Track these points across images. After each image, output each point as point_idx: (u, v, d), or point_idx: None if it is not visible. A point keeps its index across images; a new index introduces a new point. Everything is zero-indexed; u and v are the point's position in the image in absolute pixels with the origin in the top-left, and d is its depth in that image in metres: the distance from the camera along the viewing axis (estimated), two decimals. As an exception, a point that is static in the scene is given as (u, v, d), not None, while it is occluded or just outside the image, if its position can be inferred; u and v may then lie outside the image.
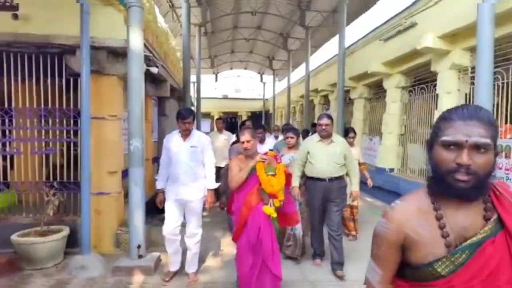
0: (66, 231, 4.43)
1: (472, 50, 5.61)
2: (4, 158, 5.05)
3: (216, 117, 27.37)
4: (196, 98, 13.86)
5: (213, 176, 3.92)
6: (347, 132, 5.56)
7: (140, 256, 4.29)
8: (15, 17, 4.47)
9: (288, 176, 3.54)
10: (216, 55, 21.40)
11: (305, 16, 13.85)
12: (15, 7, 4.53)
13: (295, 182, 4.16)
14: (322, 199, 4.13)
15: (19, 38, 4.51)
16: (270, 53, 21.57)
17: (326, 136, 4.11)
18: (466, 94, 6.12)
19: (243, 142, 3.34)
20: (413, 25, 6.68)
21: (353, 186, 4.30)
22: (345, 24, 9.64)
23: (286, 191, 3.49)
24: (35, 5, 4.56)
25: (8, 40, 4.49)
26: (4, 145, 5.10)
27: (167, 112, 8.56)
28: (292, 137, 4.79)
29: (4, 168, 4.99)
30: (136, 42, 4.24)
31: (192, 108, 13.64)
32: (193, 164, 3.79)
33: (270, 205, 3.24)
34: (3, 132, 5.02)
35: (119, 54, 4.77)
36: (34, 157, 4.96)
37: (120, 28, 4.64)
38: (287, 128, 5.55)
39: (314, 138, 4.24)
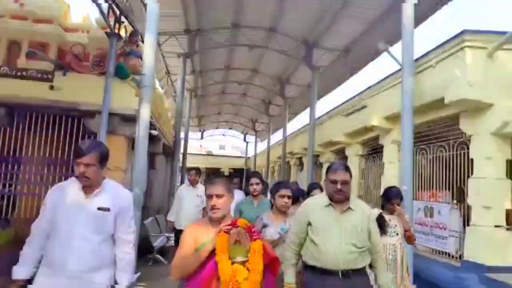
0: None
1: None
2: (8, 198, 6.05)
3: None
4: (183, 154, 15.12)
5: (131, 265, 2.38)
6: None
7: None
8: (52, 87, 5.80)
9: (273, 264, 2.21)
10: (204, 115, 23.10)
11: (284, 88, 15.78)
12: (51, 80, 5.89)
13: (288, 276, 2.64)
14: None
15: (51, 104, 5.80)
16: (253, 116, 23.42)
17: (341, 200, 2.58)
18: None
19: (210, 197, 2.19)
20: (364, 107, 8.33)
21: (381, 285, 2.63)
22: (316, 99, 11.41)
23: None
24: (66, 78, 5.92)
25: (44, 104, 5.77)
26: (10, 185, 6.15)
27: (157, 167, 9.76)
28: (289, 196, 3.20)
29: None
30: (144, 113, 5.56)
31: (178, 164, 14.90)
32: (97, 239, 2.20)
33: None
34: (11, 176, 6.10)
35: (128, 119, 6.08)
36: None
37: (131, 99, 6.00)
38: (282, 183, 3.45)
39: (319, 200, 2.69)
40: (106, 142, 5.58)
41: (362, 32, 9.81)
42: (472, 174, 5.30)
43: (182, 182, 14.96)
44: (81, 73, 6.00)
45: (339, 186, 2.53)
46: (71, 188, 2.25)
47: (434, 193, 6.66)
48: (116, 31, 5.77)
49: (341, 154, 11.33)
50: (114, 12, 5.72)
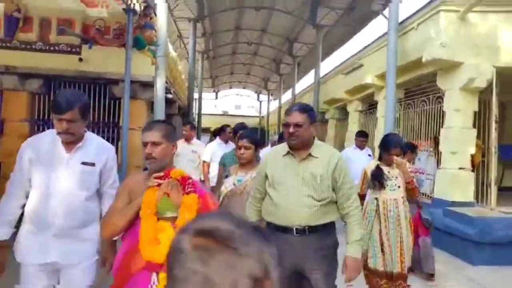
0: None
1: (399, 86, 7.85)
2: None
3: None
4: (198, 114, 16.12)
5: None
6: None
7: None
8: (80, 60, 6.72)
9: None
10: (217, 75, 23.82)
11: (293, 47, 16.26)
12: (79, 53, 6.80)
13: None
14: (290, 269, 2.23)
15: (81, 74, 6.75)
16: (265, 76, 23.98)
17: (296, 146, 2.26)
18: (396, 118, 8.33)
19: (145, 145, 1.91)
20: (360, 66, 8.98)
21: (349, 245, 2.30)
22: (320, 58, 12.02)
23: None
24: (92, 51, 6.81)
25: (74, 75, 6.74)
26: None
27: (173, 126, 10.80)
28: (246, 147, 2.90)
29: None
30: (160, 79, 6.47)
31: (194, 123, 15.93)
32: (83, 195, 2.09)
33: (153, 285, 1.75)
34: None
35: (147, 85, 7.00)
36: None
37: (149, 67, 6.89)
38: (240, 131, 3.45)
39: (280, 149, 2.43)
40: (129, 105, 6.57)
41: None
42: (443, 125, 6.09)
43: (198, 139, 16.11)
44: (104, 46, 6.86)
45: (291, 130, 2.18)
46: (50, 142, 2.06)
47: (419, 142, 7.48)
48: (132, 6, 6.54)
49: (343, 110, 12.09)
50: (128, -11, 6.46)
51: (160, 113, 6.49)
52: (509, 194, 8.21)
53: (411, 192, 3.41)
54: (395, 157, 3.32)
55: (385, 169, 3.39)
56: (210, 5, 12.34)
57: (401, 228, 3.30)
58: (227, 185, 2.90)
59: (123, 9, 6.46)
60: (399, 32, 6.66)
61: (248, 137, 2.95)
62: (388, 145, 3.38)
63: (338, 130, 12.72)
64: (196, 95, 16.08)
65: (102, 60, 6.76)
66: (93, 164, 2.12)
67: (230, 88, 29.15)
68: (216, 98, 29.93)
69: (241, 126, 4.52)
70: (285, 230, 2.23)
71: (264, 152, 6.03)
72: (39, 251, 2.01)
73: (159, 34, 6.18)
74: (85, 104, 2.07)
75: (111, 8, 7.03)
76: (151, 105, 7.15)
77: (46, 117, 7.04)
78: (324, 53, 13.41)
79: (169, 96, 7.57)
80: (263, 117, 31.56)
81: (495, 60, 5.58)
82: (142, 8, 7.01)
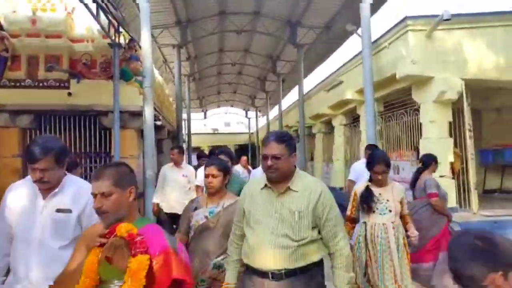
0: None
1: (379, 100, 8.19)
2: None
3: (207, 150, 30.08)
4: (187, 134, 16.33)
5: None
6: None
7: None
8: (69, 94, 6.93)
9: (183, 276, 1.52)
10: (204, 96, 24.16)
11: (276, 65, 16.70)
12: (68, 87, 7.01)
13: (228, 275, 2.22)
14: None
15: (70, 108, 6.94)
16: (251, 93, 24.39)
17: (275, 179, 2.05)
18: (377, 131, 8.66)
19: (94, 196, 1.62)
20: (340, 82, 9.35)
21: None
22: (302, 75, 12.42)
23: None
24: (80, 85, 7.02)
25: (64, 109, 6.92)
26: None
27: (164, 150, 10.98)
28: (214, 175, 2.62)
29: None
30: (148, 108, 6.68)
31: (183, 144, 16.12)
32: (56, 245, 1.96)
33: None
34: None
35: (135, 114, 7.21)
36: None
37: (136, 97, 7.11)
38: (203, 159, 3.81)
39: (258, 181, 2.17)
40: (120, 135, 6.76)
41: (338, 10, 10.67)
42: (421, 135, 6.42)
43: (189, 161, 16.27)
44: (91, 79, 7.09)
45: (269, 162, 1.97)
46: (28, 188, 1.99)
47: (401, 153, 7.79)
48: (117, 40, 6.81)
49: (329, 124, 12.43)
50: (113, 24, 6.75)
51: (150, 140, 6.69)
52: (492, 196, 8.56)
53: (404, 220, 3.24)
54: (381, 177, 3.08)
55: (376, 190, 3.12)
56: (193, 31, 12.72)
57: (391, 255, 3.03)
58: (198, 218, 2.61)
59: (108, 43, 6.72)
60: (374, 50, 7.04)
61: (215, 164, 2.69)
62: (372, 162, 3.14)
63: (325, 144, 13.03)
64: (184, 116, 16.33)
65: (90, 93, 6.97)
66: (69, 211, 1.97)
67: (218, 107, 29.53)
68: (205, 117, 30.25)
69: (219, 151, 4.18)
70: (262, 274, 1.98)
71: (254, 173, 5.93)
72: None
73: (144, 65, 6.43)
74: (60, 150, 1.98)
75: (97, 43, 7.30)
76: (141, 133, 7.36)
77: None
78: (307, 69, 13.84)
79: (158, 123, 7.79)
80: (252, 133, 31.91)
81: (463, 73, 5.96)
82: (127, 41, 7.29)
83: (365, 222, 3.19)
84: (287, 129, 17.36)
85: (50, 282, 1.80)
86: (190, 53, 15.15)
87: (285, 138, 2.05)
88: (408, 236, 3.23)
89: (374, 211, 3.12)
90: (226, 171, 2.68)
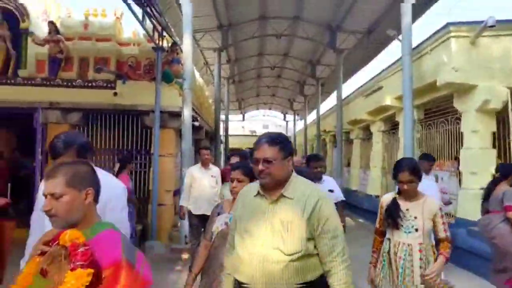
0: (140, 227, 7.03)
1: (419, 107, 7.97)
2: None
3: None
4: (225, 135, 16.67)
5: None
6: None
7: (186, 242, 6.79)
8: (115, 94, 7.36)
9: None
10: (243, 98, 24.52)
11: (316, 69, 16.63)
12: (114, 87, 7.45)
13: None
14: None
15: (115, 107, 7.37)
16: (290, 96, 24.43)
17: (268, 185, 1.84)
18: (416, 138, 8.41)
19: (45, 197, 1.46)
20: (380, 88, 9.18)
21: None
22: (341, 80, 12.30)
23: None
24: (125, 86, 7.44)
25: (109, 108, 7.36)
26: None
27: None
28: (239, 179, 2.52)
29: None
30: (187, 109, 6.95)
31: (221, 145, 16.47)
32: None
33: None
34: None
35: (175, 115, 7.52)
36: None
37: (176, 99, 7.42)
38: (233, 162, 3.72)
39: (252, 187, 1.99)
40: (159, 134, 7.07)
41: (379, 15, 10.48)
42: (462, 145, 6.17)
43: (225, 162, 16.59)
44: (135, 80, 7.48)
45: (260, 166, 1.78)
46: None
47: (441, 162, 7.52)
48: (160, 44, 7.15)
49: (367, 130, 12.21)
50: (157, 29, 7.10)
51: (187, 139, 6.96)
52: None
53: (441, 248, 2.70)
54: (407, 187, 2.63)
55: (403, 205, 2.70)
56: (234, 35, 12.99)
57: (414, 279, 2.61)
58: (219, 224, 2.50)
59: (152, 47, 7.08)
60: (414, 56, 6.87)
61: (240, 168, 2.57)
62: (396, 170, 2.72)
63: (363, 150, 12.80)
64: (223, 118, 16.68)
65: (134, 94, 7.36)
66: None
67: (257, 109, 29.85)
68: (243, 119, 30.64)
69: (234, 153, 4.08)
70: None
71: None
72: None
73: (184, 68, 6.71)
74: (81, 145, 2.02)
75: (142, 46, 7.70)
76: (179, 133, 7.66)
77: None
78: (346, 74, 13.69)
79: (196, 123, 8.07)
80: (290, 136, 31.94)
81: (509, 82, 5.68)
82: (170, 45, 7.62)
83: (389, 239, 2.81)
84: (325, 134, 17.22)
85: None
86: (230, 56, 15.47)
87: (279, 140, 1.83)
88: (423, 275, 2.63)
89: (398, 228, 2.70)
90: (252, 175, 2.39)
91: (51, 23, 7.37)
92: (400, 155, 8.27)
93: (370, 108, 10.25)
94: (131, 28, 8.49)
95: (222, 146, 16.95)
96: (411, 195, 2.72)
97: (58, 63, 7.43)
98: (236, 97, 23.48)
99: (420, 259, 2.63)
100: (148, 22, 7.09)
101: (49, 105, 7.19)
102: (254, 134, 38.63)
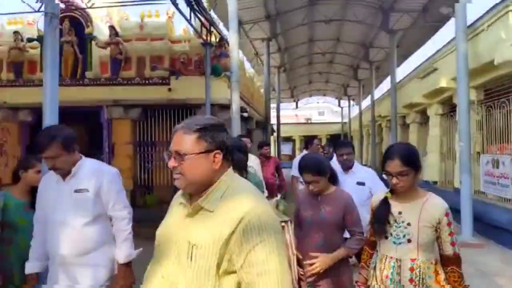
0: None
1: (478, 87, 7.49)
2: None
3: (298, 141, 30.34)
4: (276, 125, 16.85)
5: (127, 242, 2.20)
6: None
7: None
8: (169, 90, 7.86)
9: None
10: (295, 86, 24.44)
11: (369, 53, 16.10)
12: (168, 83, 7.95)
13: None
14: None
15: (170, 102, 7.88)
16: (344, 82, 23.87)
17: (182, 188, 1.33)
18: (476, 121, 7.90)
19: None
20: (435, 69, 8.73)
21: None
22: (395, 63, 11.83)
23: None
24: (178, 81, 7.90)
25: (164, 103, 7.89)
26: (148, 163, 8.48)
27: (253, 140, 11.63)
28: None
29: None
30: (235, 100, 7.23)
31: (273, 134, 16.65)
32: (79, 223, 2.10)
33: None
34: (149, 155, 8.43)
35: (224, 107, 7.85)
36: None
37: (225, 91, 7.74)
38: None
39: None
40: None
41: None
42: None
43: (278, 151, 16.81)
44: (187, 76, 7.91)
45: (171, 163, 1.29)
46: (54, 175, 2.15)
47: (503, 146, 7.04)
48: (208, 40, 7.48)
49: (424, 114, 11.66)
50: (204, 25, 7.43)
51: (236, 129, 7.26)
52: None
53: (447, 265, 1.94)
54: (396, 180, 1.93)
55: (395, 206, 2.01)
56: (282, 24, 13.02)
57: None
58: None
59: (201, 43, 7.43)
60: (470, 34, 6.47)
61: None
62: (384, 158, 2.02)
63: (420, 135, 12.26)
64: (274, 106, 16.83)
65: (186, 88, 7.81)
66: (86, 190, 2.10)
67: (310, 96, 29.54)
68: (297, 107, 30.52)
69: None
70: None
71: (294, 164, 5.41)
72: (51, 279, 2.12)
73: (231, 62, 6.97)
74: (65, 138, 2.09)
75: (192, 43, 8.10)
76: (229, 124, 8.00)
77: (144, 140, 8.34)
78: (401, 57, 13.12)
79: (245, 114, 8.34)
80: (345, 122, 31.20)
81: None
82: (217, 40, 7.93)
83: (377, 251, 2.11)
84: (380, 119, 16.68)
85: (80, 258, 2.06)
86: (280, 45, 15.52)
87: (199, 127, 1.27)
88: None
89: (387, 237, 2.00)
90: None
91: (111, 27, 8.02)
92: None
93: (426, 91, 9.80)
94: (182, 25, 8.96)
95: (274, 135, 17.15)
96: (406, 193, 1.98)
97: (118, 64, 8.09)
98: (288, 85, 23.47)
99: (411, 280, 1.91)
100: (196, 20, 7.45)
101: (112, 103, 7.90)
102: (309, 121, 38.39)
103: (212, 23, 7.59)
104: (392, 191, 2.04)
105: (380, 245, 2.06)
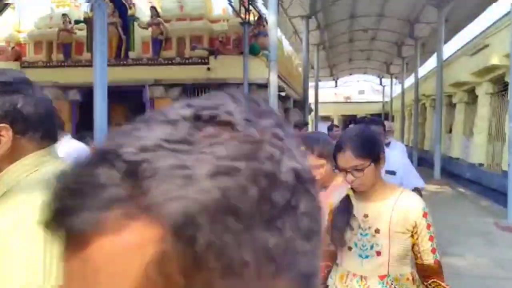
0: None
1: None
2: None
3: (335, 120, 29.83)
4: (315, 103, 16.62)
5: None
6: None
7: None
8: (208, 69, 7.99)
9: None
10: (335, 64, 23.81)
11: (414, 28, 15.28)
12: (207, 63, 8.08)
13: None
14: None
15: (209, 81, 8.02)
16: (387, 59, 22.91)
17: None
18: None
19: None
20: (486, 46, 8.17)
21: None
22: (442, 39, 11.16)
23: None
24: (217, 61, 8.00)
25: (203, 82, 8.05)
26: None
27: (290, 119, 11.61)
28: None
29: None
30: (273, 80, 7.22)
31: (311, 113, 16.45)
32: None
33: None
34: None
35: (262, 86, 7.87)
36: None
37: (263, 70, 7.74)
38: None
39: None
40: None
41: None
42: None
43: (315, 129, 16.62)
44: (225, 55, 7.99)
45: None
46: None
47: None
48: (247, 19, 7.47)
49: (472, 93, 11.03)
50: (243, 4, 7.40)
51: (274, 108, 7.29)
52: None
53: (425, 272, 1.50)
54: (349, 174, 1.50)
55: (360, 207, 1.53)
56: (322, 0, 12.63)
57: None
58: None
59: (240, 22, 7.43)
60: (528, 7, 5.98)
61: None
62: (334, 153, 1.55)
63: (467, 115, 11.65)
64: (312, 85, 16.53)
65: (225, 68, 7.90)
66: None
67: (350, 74, 28.70)
68: (336, 86, 29.84)
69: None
70: None
71: None
72: None
73: (269, 41, 6.93)
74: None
75: (231, 22, 8.12)
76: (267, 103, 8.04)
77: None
78: (449, 32, 12.36)
79: (282, 94, 8.32)
80: (386, 102, 30.12)
81: None
82: (256, 18, 7.89)
83: (337, 264, 1.62)
84: (424, 98, 15.97)
85: None
86: (320, 22, 15.09)
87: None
88: None
89: (350, 248, 1.53)
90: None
91: (152, 8, 8.21)
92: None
93: (476, 69, 9.23)
94: (221, 5, 8.97)
95: (312, 114, 16.96)
96: (371, 190, 1.51)
97: (159, 44, 8.31)
98: (327, 63, 22.90)
99: None
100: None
101: (154, 82, 8.17)
102: (348, 100, 37.42)
103: (250, 1, 7.54)
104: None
105: (342, 257, 1.57)
